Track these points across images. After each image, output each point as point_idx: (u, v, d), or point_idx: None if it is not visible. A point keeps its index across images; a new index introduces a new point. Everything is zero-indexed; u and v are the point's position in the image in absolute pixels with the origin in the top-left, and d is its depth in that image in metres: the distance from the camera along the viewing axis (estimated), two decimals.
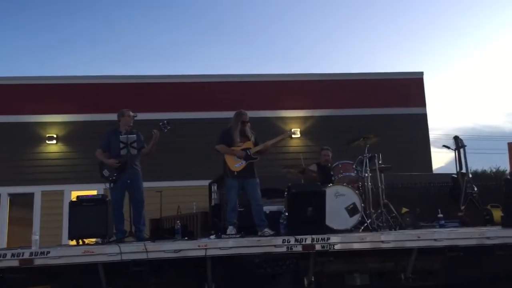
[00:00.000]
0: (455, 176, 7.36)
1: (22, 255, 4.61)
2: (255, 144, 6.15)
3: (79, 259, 4.68)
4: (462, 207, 6.87)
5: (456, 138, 7.44)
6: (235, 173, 5.96)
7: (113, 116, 11.30)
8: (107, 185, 6.07)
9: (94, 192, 10.07)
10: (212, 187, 8.22)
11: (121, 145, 5.91)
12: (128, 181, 5.98)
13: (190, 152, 11.92)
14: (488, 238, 5.06)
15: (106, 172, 6.04)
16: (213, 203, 8.04)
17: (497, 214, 6.36)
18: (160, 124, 6.14)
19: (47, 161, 12.09)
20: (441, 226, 6.43)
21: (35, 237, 5.06)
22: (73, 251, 4.87)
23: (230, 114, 6.52)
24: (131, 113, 6.30)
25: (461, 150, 7.39)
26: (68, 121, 12.33)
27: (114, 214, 5.96)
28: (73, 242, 5.90)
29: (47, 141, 12.12)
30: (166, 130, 6.14)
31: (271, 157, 10.05)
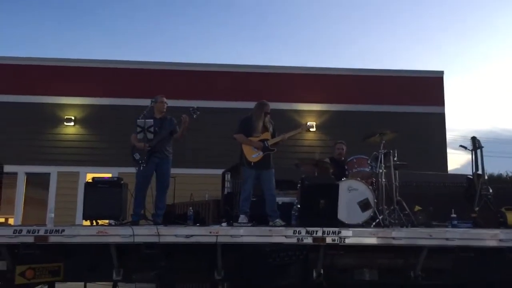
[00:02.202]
0: (471, 177, 7.28)
1: (38, 232, 4.71)
2: (273, 136, 6.16)
3: (92, 238, 4.77)
4: (476, 209, 6.78)
5: (473, 139, 7.34)
6: (252, 163, 5.99)
7: (130, 101, 11.55)
8: (137, 168, 6.14)
9: (109, 175, 10.18)
10: (226, 175, 8.26)
11: (138, 129, 5.98)
12: (157, 165, 6.10)
13: (205, 141, 11.97)
14: (500, 240, 5.01)
15: (136, 155, 6.11)
16: (226, 192, 8.09)
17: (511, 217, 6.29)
18: (190, 109, 6.22)
19: (64, 143, 12.26)
20: (454, 226, 6.37)
21: (51, 215, 5.17)
22: (87, 230, 4.97)
23: (246, 104, 6.54)
24: (165, 99, 6.38)
25: (478, 151, 7.30)
26: (87, 103, 12.46)
27: (135, 196, 6.04)
28: (87, 223, 6.01)
29: (65, 123, 12.28)
30: (195, 116, 6.21)
31: (286, 149, 10.05)
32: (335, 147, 7.17)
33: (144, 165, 6.02)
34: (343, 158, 6.86)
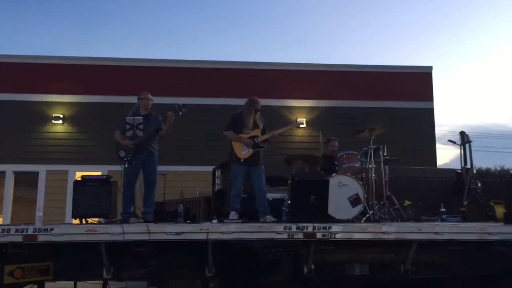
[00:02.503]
0: (460, 171, 7.36)
1: (26, 231, 4.66)
2: (263, 133, 6.17)
3: (82, 237, 4.72)
4: (465, 203, 6.87)
5: (462, 134, 7.42)
6: (242, 160, 5.99)
7: (119, 99, 11.47)
8: (122, 166, 6.12)
9: (99, 173, 10.12)
10: (216, 172, 8.25)
11: (127, 126, 5.95)
12: (143, 163, 6.06)
13: (195, 138, 11.95)
14: (489, 233, 5.05)
15: (121, 153, 6.09)
16: (216, 189, 8.08)
17: (500, 210, 6.37)
18: (176, 106, 6.20)
19: (53, 141, 12.15)
20: (443, 220, 6.44)
21: (39, 213, 5.14)
22: (76, 229, 4.93)
23: (236, 101, 6.54)
24: (150, 96, 6.35)
25: (467, 145, 7.38)
26: (75, 101, 12.36)
27: (124, 195, 6.01)
28: (76, 221, 5.97)
29: (53, 121, 12.17)
30: (180, 113, 6.20)
31: (276, 146, 10.05)
32: (329, 144, 7.16)
33: (130, 162, 5.99)
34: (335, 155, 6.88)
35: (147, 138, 6.11)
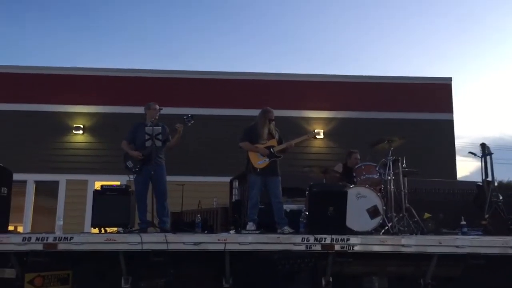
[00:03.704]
0: (480, 184, 7.22)
1: (47, 240, 4.72)
2: (279, 143, 6.17)
3: (101, 246, 4.77)
4: (486, 216, 6.72)
5: (483, 145, 7.29)
6: (258, 170, 5.99)
7: (139, 109, 11.56)
8: (131, 176, 6.17)
9: (117, 183, 10.21)
10: (234, 183, 8.27)
11: (147, 137, 6.02)
12: (152, 173, 6.04)
13: (213, 148, 12.00)
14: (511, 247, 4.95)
15: (130, 164, 6.14)
16: (233, 199, 8.09)
17: None
18: (184, 117, 6.21)
19: (73, 151, 12.31)
20: (464, 233, 6.31)
21: (59, 222, 5.20)
22: (96, 238, 4.98)
23: (253, 112, 6.56)
24: (157, 107, 6.39)
25: (488, 157, 7.24)
26: (95, 112, 12.53)
27: (138, 205, 6.05)
28: (96, 230, 6.03)
29: (74, 131, 12.34)
30: (190, 124, 6.21)
31: (293, 157, 10.02)
32: (352, 156, 7.11)
33: (138, 173, 6.03)
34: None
35: (154, 149, 6.08)
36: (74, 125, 12.35)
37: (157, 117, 6.35)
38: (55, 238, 4.74)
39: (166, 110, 6.81)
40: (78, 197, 11.63)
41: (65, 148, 12.32)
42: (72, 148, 12.36)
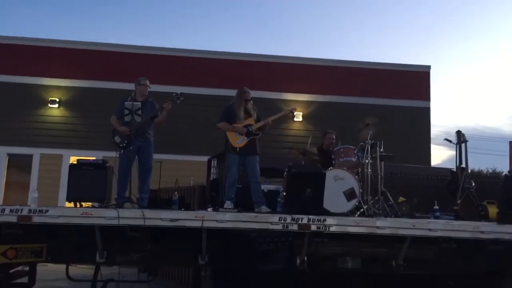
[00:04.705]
0: (454, 170, 7.38)
1: (21, 212, 4.63)
2: (257, 121, 6.17)
3: (77, 220, 4.69)
4: (459, 201, 6.88)
5: (458, 133, 7.42)
6: (237, 149, 5.99)
7: (116, 85, 11.43)
8: (118, 151, 6.08)
9: (93, 158, 10.10)
10: (212, 162, 8.25)
11: (126, 112, 5.94)
12: (139, 149, 6.03)
13: (191, 127, 11.94)
14: (482, 232, 5.08)
15: (117, 139, 6.07)
16: (211, 178, 8.08)
17: (493, 210, 6.39)
18: (174, 95, 6.17)
19: (48, 125, 12.12)
20: (436, 218, 6.47)
21: (34, 195, 5.11)
22: (72, 211, 4.90)
23: (232, 92, 6.54)
24: (147, 82, 6.33)
25: (463, 145, 7.39)
26: (71, 86, 12.31)
27: (119, 180, 6.00)
28: (71, 205, 5.95)
29: (49, 105, 12.11)
30: (178, 101, 6.16)
31: (272, 139, 10.08)
32: (326, 137, 7.16)
33: (125, 148, 5.96)
34: (331, 149, 6.89)
35: (143, 124, 6.07)
36: (50, 98, 12.10)
37: (146, 93, 6.29)
38: (29, 211, 4.65)
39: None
40: (52, 172, 11.48)
41: (40, 121, 12.10)
42: (47, 122, 12.15)
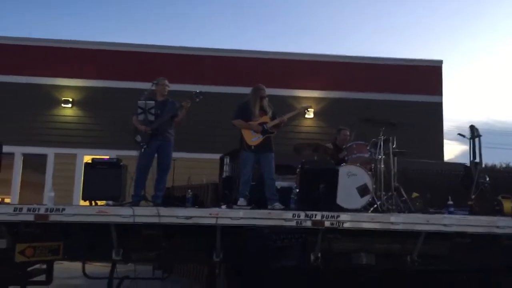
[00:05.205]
0: (468, 165, 7.33)
1: (38, 211, 4.70)
2: (272, 119, 6.17)
3: (93, 218, 4.76)
4: (473, 196, 6.84)
5: (472, 127, 7.37)
6: (252, 147, 6.01)
7: (129, 84, 11.51)
8: (139, 150, 6.14)
9: (107, 157, 10.18)
10: (225, 159, 8.28)
11: (139, 111, 5.98)
12: (158, 148, 6.11)
13: (204, 126, 11.97)
14: (497, 227, 5.05)
15: (138, 138, 6.12)
16: (224, 175, 8.11)
17: (508, 205, 6.33)
18: (193, 93, 6.22)
19: (61, 124, 12.23)
20: (450, 213, 6.43)
21: (50, 194, 5.17)
22: (88, 210, 4.99)
23: (245, 89, 6.56)
24: (166, 82, 6.38)
25: (476, 140, 7.33)
26: (84, 86, 12.41)
27: (137, 178, 6.06)
28: (86, 203, 6.02)
29: (62, 105, 12.23)
30: (198, 100, 6.21)
31: (283, 135, 10.06)
32: (340, 133, 7.17)
33: (146, 147, 6.02)
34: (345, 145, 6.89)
35: (163, 124, 6.12)
36: (63, 98, 12.23)
37: (165, 93, 6.37)
38: (46, 209, 4.72)
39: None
40: (66, 171, 11.60)
41: (54, 121, 12.23)
42: (61, 121, 12.27)
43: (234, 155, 7.55)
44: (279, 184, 6.53)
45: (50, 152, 11.97)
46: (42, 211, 4.70)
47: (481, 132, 7.27)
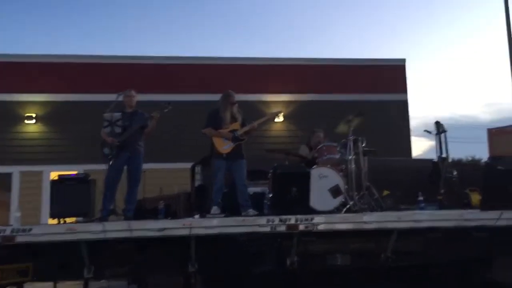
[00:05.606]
0: (435, 161, 7.48)
1: (4, 232, 4.54)
2: (242, 125, 6.15)
3: (62, 236, 4.63)
4: (442, 191, 6.98)
5: (437, 123, 7.53)
6: (224, 155, 5.96)
7: (94, 97, 11.29)
8: (107, 163, 6.02)
9: (75, 173, 9.96)
10: (196, 168, 8.21)
11: (105, 123, 5.87)
12: (128, 160, 6.01)
13: (172, 135, 11.85)
14: (466, 220, 5.16)
15: (106, 150, 5.99)
16: (196, 184, 8.04)
17: (475, 198, 6.49)
18: (162, 104, 6.15)
19: (26, 141, 11.90)
20: (421, 209, 6.54)
21: (16, 214, 5.02)
22: (56, 228, 4.85)
23: (213, 96, 6.52)
24: (133, 93, 6.30)
25: (442, 135, 7.49)
26: (47, 100, 12.12)
27: (106, 192, 5.92)
28: (54, 221, 5.87)
29: (26, 121, 11.90)
30: (166, 110, 6.13)
31: (254, 140, 10.01)
32: (313, 135, 7.18)
33: (113, 159, 5.90)
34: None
35: (132, 135, 6.02)
36: (26, 114, 11.90)
37: (133, 104, 6.28)
38: (12, 230, 4.57)
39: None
40: (33, 189, 11.28)
41: (18, 138, 11.89)
42: (25, 138, 11.93)
43: (206, 163, 7.49)
44: (251, 189, 6.50)
45: (15, 170, 11.62)
46: (8, 233, 4.54)
47: (446, 127, 7.43)
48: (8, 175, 11.62)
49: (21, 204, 11.12)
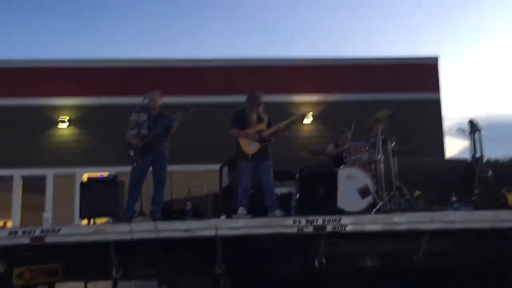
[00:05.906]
0: (470, 160, 7.24)
1: (33, 233, 4.63)
2: (268, 126, 6.10)
3: (90, 237, 4.70)
4: (476, 191, 6.75)
5: (471, 122, 7.28)
6: (249, 156, 5.92)
7: (124, 100, 11.46)
8: (132, 165, 6.08)
9: (105, 174, 10.13)
10: (223, 169, 8.21)
11: (132, 125, 5.93)
12: (152, 161, 6.03)
13: (201, 136, 11.90)
14: (502, 221, 4.96)
15: (131, 152, 6.05)
16: (224, 185, 8.04)
17: None
18: (185, 107, 6.19)
19: (59, 144, 12.17)
20: (454, 209, 6.33)
21: (47, 215, 5.11)
22: (84, 229, 4.93)
23: (238, 98, 6.49)
24: (157, 95, 6.31)
25: (476, 134, 7.25)
26: (80, 104, 12.38)
27: (130, 193, 5.98)
28: (85, 222, 5.96)
29: (59, 124, 12.18)
30: (189, 112, 6.15)
31: (282, 141, 9.97)
32: (341, 136, 7.10)
33: (139, 161, 5.94)
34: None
35: (156, 137, 6.06)
36: (59, 118, 12.18)
37: (157, 105, 6.29)
38: (42, 231, 4.66)
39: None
40: (66, 191, 11.51)
41: (51, 141, 12.17)
42: (58, 141, 12.21)
43: (232, 164, 7.48)
44: (278, 190, 6.44)
45: (49, 173, 11.91)
46: (37, 233, 4.64)
47: (483, 126, 7.18)
48: (42, 178, 11.91)
49: (56, 205, 11.40)
